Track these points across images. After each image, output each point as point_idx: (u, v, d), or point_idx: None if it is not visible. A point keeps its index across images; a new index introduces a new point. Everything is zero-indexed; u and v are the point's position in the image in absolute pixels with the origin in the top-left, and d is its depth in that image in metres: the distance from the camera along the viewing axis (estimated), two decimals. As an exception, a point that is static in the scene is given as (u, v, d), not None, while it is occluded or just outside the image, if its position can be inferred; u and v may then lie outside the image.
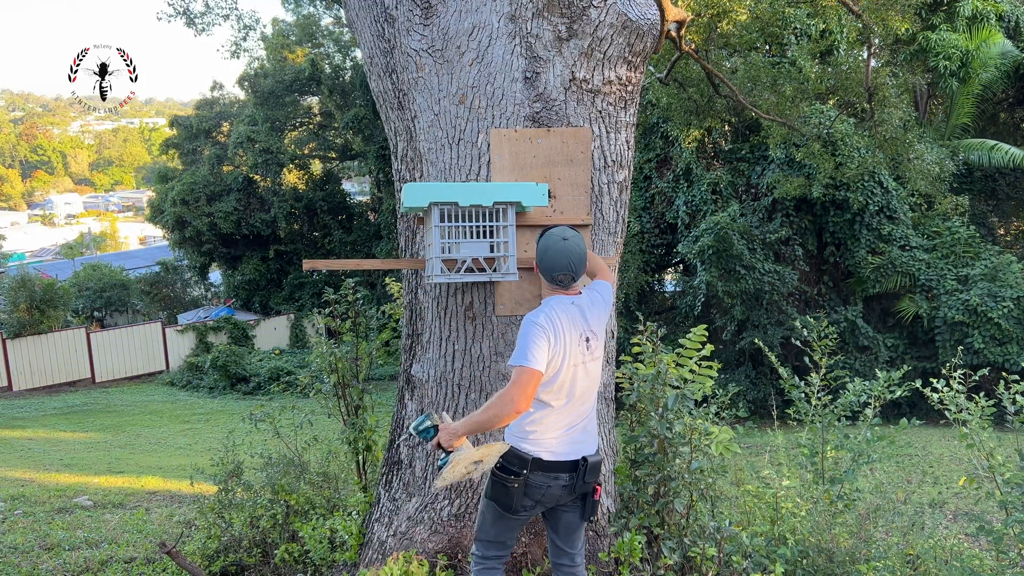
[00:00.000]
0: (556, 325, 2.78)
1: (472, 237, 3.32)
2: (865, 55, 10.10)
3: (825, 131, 11.45)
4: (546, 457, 2.82)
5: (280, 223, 25.45)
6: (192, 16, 17.25)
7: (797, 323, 4.68)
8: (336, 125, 26.33)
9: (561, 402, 2.84)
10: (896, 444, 3.92)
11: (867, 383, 3.77)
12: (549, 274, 2.88)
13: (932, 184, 11.72)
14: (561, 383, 2.80)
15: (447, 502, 3.58)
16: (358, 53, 25.11)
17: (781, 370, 3.94)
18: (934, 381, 3.49)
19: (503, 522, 2.92)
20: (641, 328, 3.85)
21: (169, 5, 16.96)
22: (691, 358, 3.82)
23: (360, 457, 4.40)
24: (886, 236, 14.31)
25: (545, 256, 2.87)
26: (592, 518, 2.99)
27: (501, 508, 2.87)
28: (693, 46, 8.31)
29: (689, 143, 14.64)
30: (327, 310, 4.51)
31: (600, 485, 2.96)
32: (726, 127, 15.71)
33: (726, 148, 16.33)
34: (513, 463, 2.82)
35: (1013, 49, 15.73)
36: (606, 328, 3.04)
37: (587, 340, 2.87)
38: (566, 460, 2.84)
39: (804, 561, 3.52)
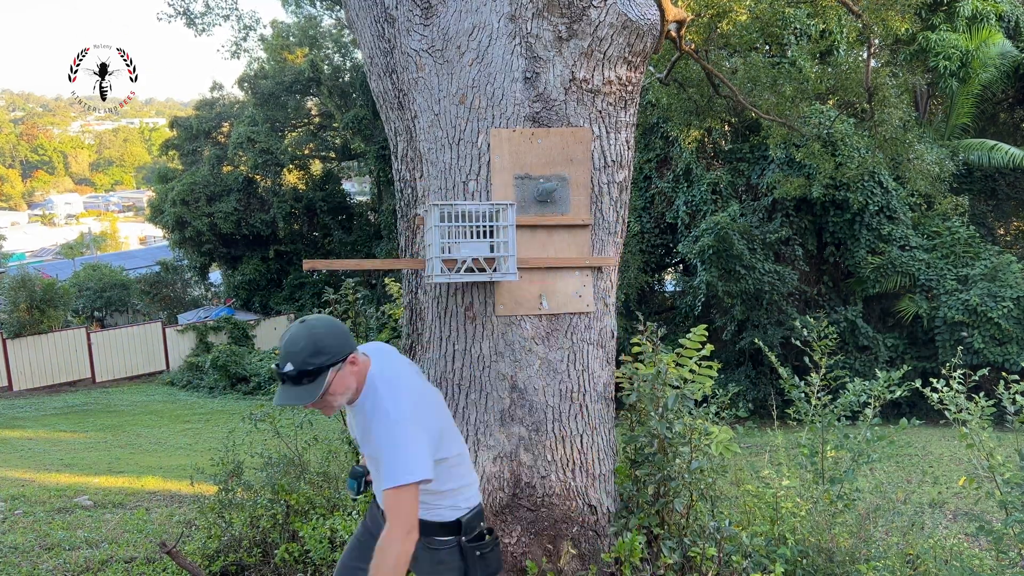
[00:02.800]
0: (412, 405, 2.41)
1: (472, 237, 3.32)
2: (865, 55, 10.10)
3: (825, 131, 11.46)
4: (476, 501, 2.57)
5: (280, 223, 25.45)
6: (192, 16, 17.27)
7: (797, 323, 4.69)
8: (336, 125, 26.33)
9: (465, 470, 2.58)
10: (896, 444, 3.92)
11: (867, 383, 3.77)
12: (349, 344, 2.40)
13: (932, 184, 11.73)
14: (458, 451, 2.55)
15: (447, 502, 3.58)
16: (358, 54, 25.11)
17: (781, 370, 3.95)
18: (934, 381, 3.49)
19: None
20: (641, 328, 3.85)
21: (169, 5, 17.01)
22: (691, 358, 3.82)
23: (360, 457, 4.39)
24: (886, 236, 14.32)
25: (330, 334, 2.39)
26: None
27: None
28: (693, 46, 8.31)
29: (689, 143, 14.65)
30: (327, 310, 4.51)
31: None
32: (726, 127, 15.72)
33: (726, 148, 16.34)
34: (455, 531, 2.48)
35: (1012, 49, 15.73)
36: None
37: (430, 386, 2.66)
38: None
39: (804, 561, 3.52)
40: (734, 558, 3.39)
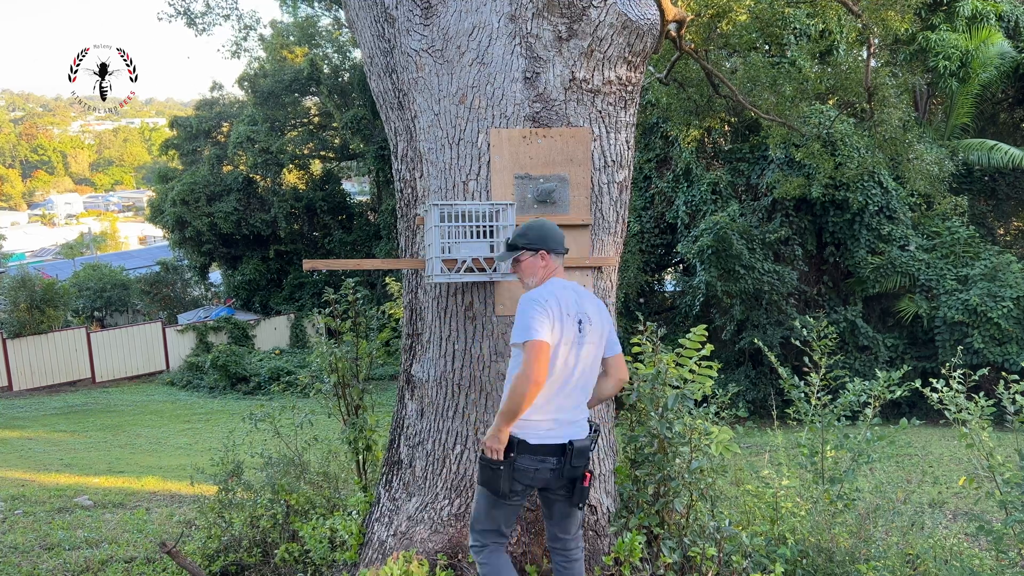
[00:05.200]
0: (554, 303, 2.84)
1: (472, 237, 3.32)
2: (865, 55, 10.11)
3: (825, 131, 11.46)
4: (532, 440, 2.83)
5: (280, 223, 25.44)
6: (193, 16, 17.26)
7: (797, 323, 4.69)
8: (335, 125, 26.31)
9: (555, 383, 2.85)
10: (896, 444, 3.92)
11: (867, 383, 3.77)
12: (558, 247, 3.00)
13: (932, 184, 11.73)
14: (554, 363, 2.83)
15: (447, 502, 3.58)
16: (357, 53, 25.11)
17: (781, 370, 3.95)
18: (934, 381, 3.49)
19: (497, 509, 2.93)
20: (641, 328, 3.85)
21: (170, 5, 16.99)
22: (691, 358, 3.82)
23: (360, 457, 4.40)
24: (886, 236, 14.31)
25: (544, 230, 3.00)
26: (581, 504, 2.98)
27: (492, 493, 2.89)
28: (693, 46, 8.31)
29: (689, 143, 14.65)
30: (327, 310, 4.51)
31: (590, 472, 2.96)
32: (726, 127, 15.72)
33: (726, 148, 16.34)
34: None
35: (1011, 50, 15.73)
36: (604, 333, 3.02)
37: (579, 322, 2.89)
38: (553, 443, 2.85)
39: (804, 561, 3.52)
40: (734, 558, 3.39)
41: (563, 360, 2.85)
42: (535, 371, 2.72)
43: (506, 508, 2.94)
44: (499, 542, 3.00)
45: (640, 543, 3.41)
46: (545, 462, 2.85)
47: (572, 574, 3.06)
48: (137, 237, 58.18)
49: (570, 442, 2.87)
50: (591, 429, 3.00)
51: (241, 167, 25.38)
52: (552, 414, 2.86)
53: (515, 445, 2.83)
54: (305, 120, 28.05)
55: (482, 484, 2.92)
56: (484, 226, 3.31)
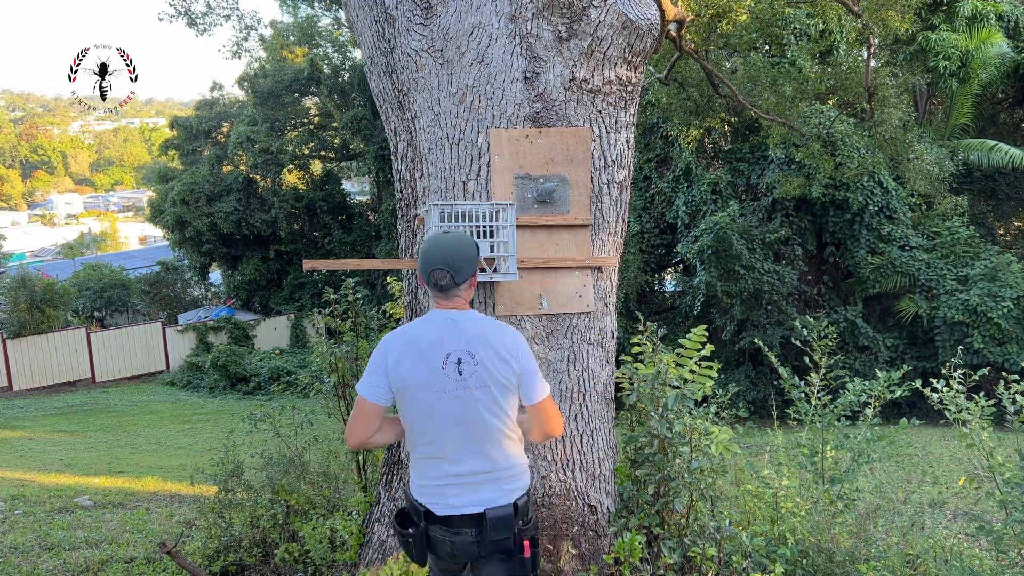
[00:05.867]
0: (402, 342, 2.39)
1: (472, 237, 3.32)
2: (865, 55, 10.11)
3: (825, 131, 11.47)
4: (436, 510, 2.40)
5: (280, 223, 25.45)
6: (193, 16, 17.27)
7: (797, 323, 4.69)
8: (335, 125, 26.32)
9: (432, 450, 2.40)
10: (896, 444, 3.92)
11: (867, 383, 3.77)
12: (426, 274, 2.40)
13: (932, 184, 11.73)
14: (421, 419, 2.37)
15: (447, 502, 3.58)
16: (357, 53, 25.11)
17: (781, 370, 3.95)
18: (934, 381, 3.49)
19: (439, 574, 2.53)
20: (641, 328, 3.85)
21: (171, 5, 17.00)
22: (691, 358, 3.82)
23: (360, 457, 4.40)
24: (886, 236, 14.32)
25: (422, 255, 2.43)
26: None
27: (411, 560, 2.53)
28: (693, 46, 8.31)
29: (689, 143, 14.65)
30: (327, 310, 4.51)
31: (530, 539, 2.45)
32: (726, 127, 15.73)
33: (726, 148, 16.34)
34: (409, 514, 2.48)
35: (1011, 50, 15.73)
36: (513, 370, 2.43)
37: (459, 362, 2.34)
38: (462, 514, 2.38)
39: (804, 561, 3.52)
40: (734, 558, 3.39)
41: (436, 413, 2.36)
42: (348, 431, 2.41)
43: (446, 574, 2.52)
44: None
45: (640, 543, 3.41)
46: (460, 534, 2.38)
47: None
48: (137, 237, 58.18)
49: (484, 512, 2.38)
50: (523, 492, 2.47)
51: (241, 167, 25.38)
52: (451, 480, 2.39)
53: (422, 515, 2.42)
54: (305, 120, 28.06)
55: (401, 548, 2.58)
56: (484, 226, 3.31)
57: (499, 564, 2.42)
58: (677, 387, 3.64)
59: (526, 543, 2.42)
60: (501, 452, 2.43)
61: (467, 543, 2.38)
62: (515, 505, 2.43)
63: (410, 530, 2.44)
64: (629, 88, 3.63)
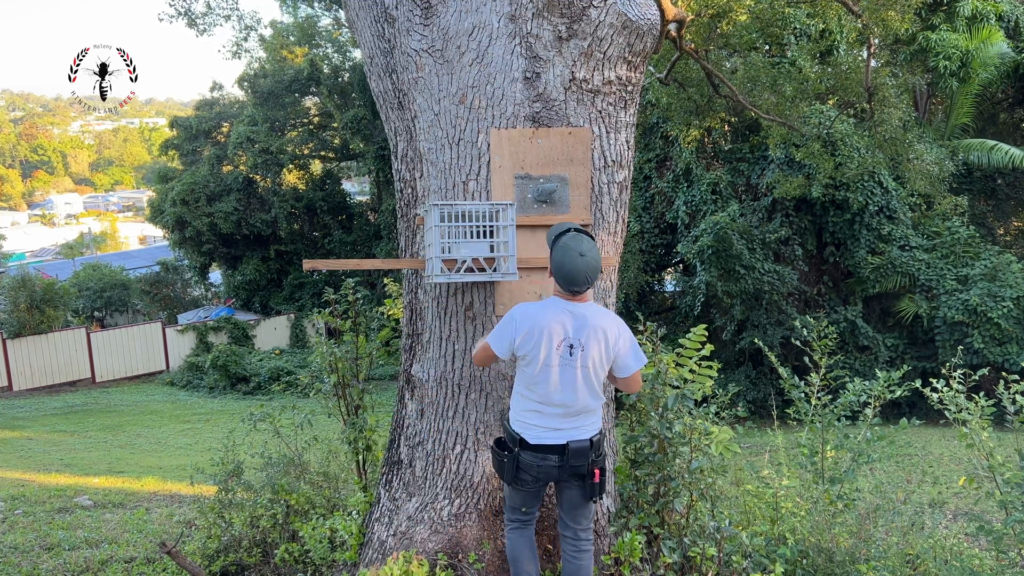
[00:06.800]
0: (531, 323, 2.98)
1: (472, 237, 3.32)
2: (865, 55, 10.11)
3: (825, 131, 11.46)
4: (530, 440, 3.04)
5: (280, 223, 25.44)
6: (194, 17, 17.26)
7: (797, 323, 4.69)
8: (335, 125, 26.31)
9: (536, 397, 3.02)
10: (896, 444, 3.92)
11: (867, 383, 3.77)
12: (567, 286, 3.00)
13: (932, 184, 11.74)
14: (533, 378, 3.00)
15: (447, 502, 3.58)
16: (357, 53, 25.10)
17: (781, 370, 3.95)
18: (934, 381, 3.49)
19: (515, 493, 3.16)
20: (641, 328, 3.86)
21: (171, 6, 16.97)
22: (691, 358, 3.82)
23: (360, 457, 4.40)
24: (886, 236, 14.32)
25: (563, 269, 2.98)
26: (595, 499, 3.11)
27: (502, 479, 3.15)
28: (693, 46, 8.31)
29: (689, 143, 14.65)
30: (327, 310, 4.50)
31: (599, 468, 3.07)
32: (726, 127, 15.73)
33: (726, 148, 16.34)
34: (505, 440, 3.12)
35: (1011, 50, 15.73)
36: (609, 355, 3.05)
37: (570, 347, 2.98)
38: (549, 444, 3.03)
39: (804, 561, 3.52)
40: (734, 558, 3.39)
41: (546, 379, 3.00)
42: (474, 357, 3.20)
43: (522, 493, 3.14)
44: (522, 520, 3.21)
45: (640, 543, 3.41)
46: (546, 459, 3.03)
47: (580, 565, 3.16)
48: (137, 237, 58.18)
49: (567, 443, 3.02)
50: (597, 432, 3.11)
51: (241, 167, 25.38)
52: (547, 422, 3.04)
53: (517, 442, 3.04)
54: (305, 120, 28.05)
55: (494, 469, 3.19)
56: (484, 226, 3.31)
57: (575, 486, 3.09)
58: (677, 387, 3.64)
59: (596, 471, 3.07)
60: (586, 404, 3.06)
61: (551, 467, 3.03)
62: (591, 440, 3.06)
63: (505, 453, 3.07)
64: (629, 88, 3.63)
